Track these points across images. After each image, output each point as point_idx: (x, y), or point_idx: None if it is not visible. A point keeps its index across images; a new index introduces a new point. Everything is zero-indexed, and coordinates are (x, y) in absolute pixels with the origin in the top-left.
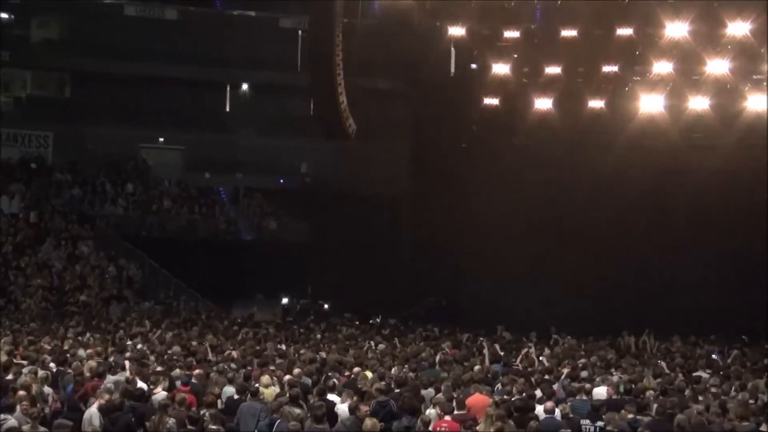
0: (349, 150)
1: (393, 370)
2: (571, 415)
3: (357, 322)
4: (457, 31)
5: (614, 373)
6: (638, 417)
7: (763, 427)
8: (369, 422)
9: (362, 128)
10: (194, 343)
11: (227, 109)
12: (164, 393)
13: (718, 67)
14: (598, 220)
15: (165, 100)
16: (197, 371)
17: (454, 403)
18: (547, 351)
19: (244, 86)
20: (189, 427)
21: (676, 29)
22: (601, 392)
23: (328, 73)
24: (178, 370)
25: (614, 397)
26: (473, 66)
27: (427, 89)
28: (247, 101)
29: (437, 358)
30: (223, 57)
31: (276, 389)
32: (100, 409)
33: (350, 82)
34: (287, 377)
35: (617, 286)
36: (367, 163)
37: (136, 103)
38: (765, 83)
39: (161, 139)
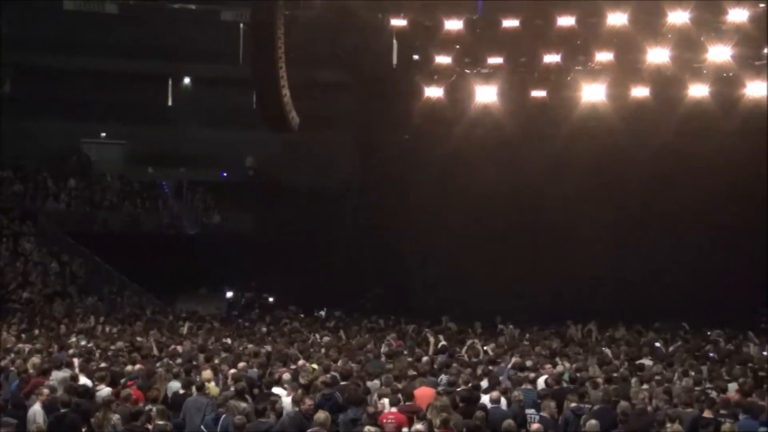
0: (292, 142)
1: (338, 362)
2: (520, 404)
3: (302, 315)
4: (398, 22)
5: (559, 362)
6: (582, 405)
7: (706, 413)
8: (322, 415)
9: (305, 120)
10: (139, 338)
11: (169, 103)
12: (108, 389)
13: (659, 55)
14: (542, 209)
15: (106, 94)
16: (141, 366)
17: (401, 395)
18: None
19: (186, 80)
20: (134, 422)
21: (617, 19)
22: (540, 382)
23: (270, 66)
24: (125, 366)
25: (555, 387)
26: (415, 57)
27: (369, 81)
28: (190, 94)
29: (382, 349)
30: (165, 50)
31: (221, 383)
32: (43, 406)
33: (293, 75)
34: (232, 371)
35: (562, 275)
36: (311, 155)
37: (77, 97)
38: (704, 71)
39: (103, 134)
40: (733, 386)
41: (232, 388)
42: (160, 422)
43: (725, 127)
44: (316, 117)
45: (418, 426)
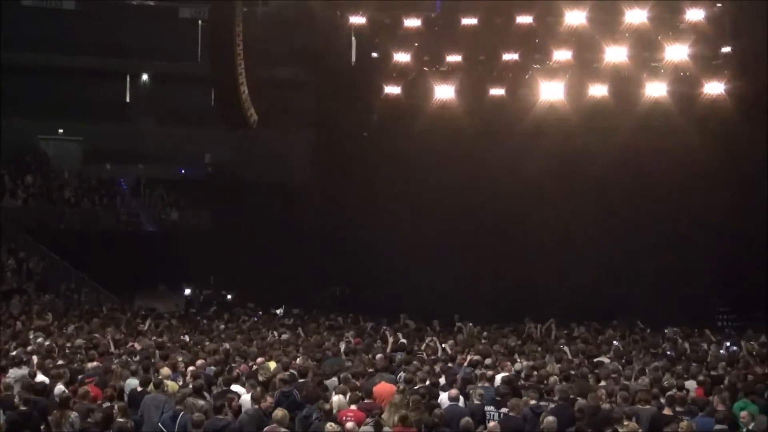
0: (251, 139)
1: (297, 359)
2: (477, 402)
3: (260, 312)
4: (357, 19)
5: (517, 360)
6: (541, 402)
7: (666, 410)
8: (279, 413)
9: (264, 117)
10: (97, 335)
11: (127, 100)
12: (65, 387)
13: (616, 54)
14: (500, 207)
15: (64, 90)
16: (98, 364)
17: (361, 393)
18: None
19: (144, 76)
20: (92, 420)
21: (575, 17)
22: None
23: (228, 63)
24: (81, 364)
25: (515, 385)
26: (374, 54)
27: (328, 78)
28: (148, 91)
29: (341, 347)
30: (123, 47)
31: (179, 380)
32: (1, 404)
33: (251, 72)
34: (190, 368)
35: (521, 273)
36: (270, 152)
37: (34, 94)
38: (662, 70)
39: (60, 130)
40: (690, 384)
41: (191, 386)
42: (121, 419)
43: (683, 126)
44: (274, 114)
45: (365, 428)
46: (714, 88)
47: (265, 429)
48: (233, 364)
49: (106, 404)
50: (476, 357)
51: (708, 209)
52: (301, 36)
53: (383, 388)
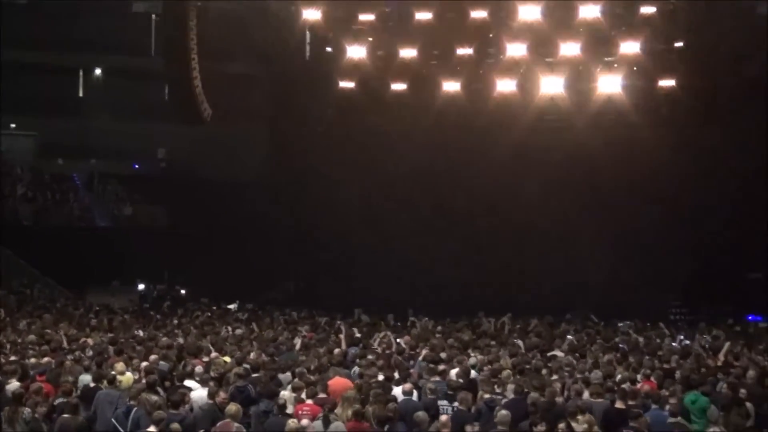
0: (205, 135)
1: (251, 354)
2: (431, 396)
3: (214, 307)
4: (311, 14)
5: (471, 354)
6: (495, 396)
7: (618, 404)
8: (233, 408)
9: (218, 113)
10: (49, 331)
11: (80, 95)
12: (18, 383)
13: (570, 49)
14: (455, 201)
15: (16, 85)
16: (49, 359)
17: (317, 387)
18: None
19: (98, 71)
20: (37, 415)
21: (530, 12)
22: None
23: (182, 58)
24: (33, 360)
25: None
26: (328, 49)
27: (283, 73)
28: (101, 86)
29: (295, 341)
30: (76, 42)
31: (131, 376)
32: None
33: (205, 67)
34: (144, 364)
35: (474, 268)
36: (225, 147)
37: None
38: (616, 65)
39: (13, 125)
40: (642, 377)
41: (144, 381)
42: (67, 415)
43: (636, 121)
44: (228, 109)
45: (314, 422)
46: (667, 82)
47: (218, 424)
48: (187, 360)
49: (60, 400)
50: (430, 351)
51: (661, 203)
52: (255, 31)
53: (337, 382)
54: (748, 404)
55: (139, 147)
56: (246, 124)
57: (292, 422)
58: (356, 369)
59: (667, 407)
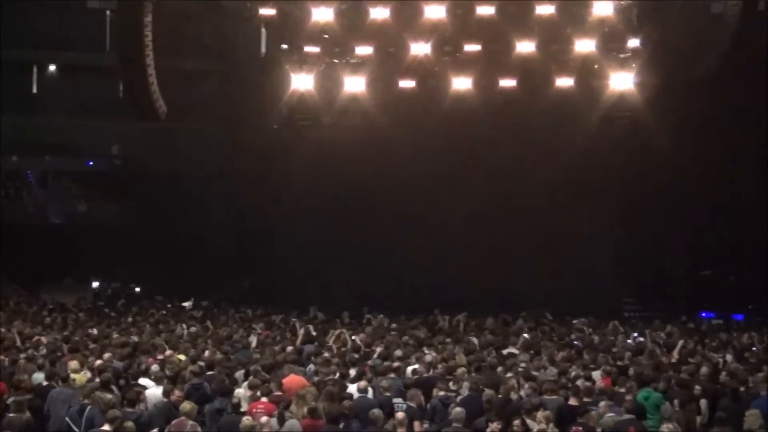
0: (160, 131)
1: (206, 352)
2: (385, 393)
3: (169, 305)
4: (267, 11)
5: (426, 352)
6: (449, 393)
7: (571, 401)
8: (187, 406)
9: (173, 109)
10: (2, 329)
11: (34, 91)
12: None
13: (525, 47)
14: (409, 199)
15: None
16: (2, 358)
17: (272, 385)
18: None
19: (51, 67)
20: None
21: (485, 10)
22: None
23: (137, 54)
24: None
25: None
26: (284, 46)
27: (238, 70)
28: (55, 82)
29: (250, 339)
30: (29, 37)
31: (87, 374)
32: None
33: (160, 63)
34: (98, 362)
35: (430, 265)
36: (179, 144)
37: None
38: (570, 63)
39: None
40: (597, 374)
41: (97, 379)
42: (13, 414)
43: (591, 119)
44: (183, 106)
45: (271, 420)
46: (621, 81)
47: (173, 422)
48: (141, 358)
49: (13, 398)
50: (385, 349)
51: (613, 201)
52: (211, 28)
53: (292, 380)
54: (702, 401)
55: (93, 144)
56: (201, 120)
57: (246, 420)
58: (311, 367)
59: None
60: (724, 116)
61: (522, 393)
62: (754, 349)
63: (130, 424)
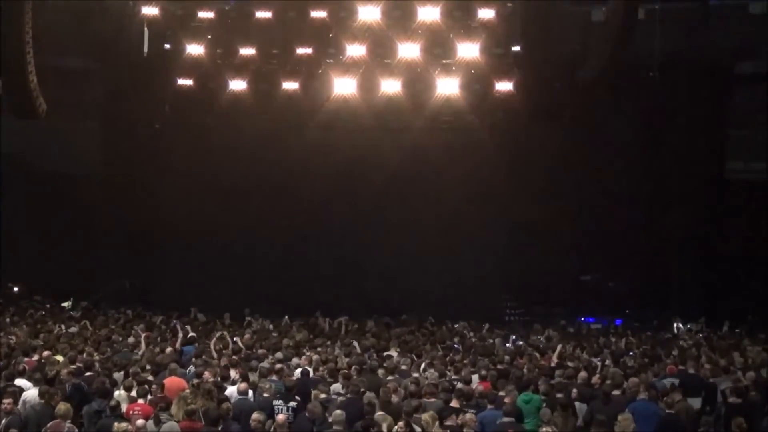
0: (40, 129)
1: (84, 353)
2: (265, 395)
3: (47, 305)
4: (150, 10)
5: (306, 353)
6: (332, 396)
7: (453, 403)
8: (63, 407)
9: (53, 107)
10: None
11: None
12: None
13: (409, 51)
14: (293, 202)
15: None
16: None
17: (151, 387)
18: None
19: None
20: None
21: (369, 13)
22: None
23: (17, 51)
24: None
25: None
26: (167, 46)
27: (120, 69)
28: None
29: (130, 340)
30: None
31: None
32: None
33: (41, 61)
34: None
35: (313, 268)
36: (60, 142)
37: None
38: (454, 68)
39: None
40: (476, 377)
41: None
42: None
43: (473, 123)
44: (64, 104)
45: (148, 422)
46: (504, 85)
47: (49, 424)
48: (18, 358)
49: None
50: (266, 351)
51: (497, 205)
52: (93, 25)
53: (173, 382)
54: (578, 404)
55: None
56: (82, 119)
57: (120, 426)
58: (192, 368)
59: (503, 407)
60: (606, 121)
61: (402, 395)
62: (631, 353)
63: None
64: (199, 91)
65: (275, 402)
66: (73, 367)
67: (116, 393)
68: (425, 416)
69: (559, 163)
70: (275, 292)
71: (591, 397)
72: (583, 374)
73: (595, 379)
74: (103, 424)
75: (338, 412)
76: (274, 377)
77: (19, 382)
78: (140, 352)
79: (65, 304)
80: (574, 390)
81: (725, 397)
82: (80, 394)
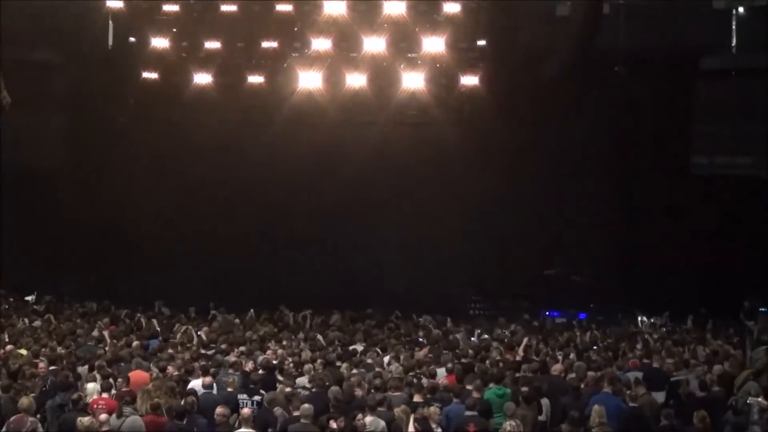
0: (4, 123)
1: (48, 347)
2: (229, 389)
3: (11, 299)
4: (114, 3)
5: (272, 347)
6: (297, 390)
7: (416, 398)
8: (25, 401)
9: (18, 101)
10: None
11: None
12: None
13: (374, 45)
14: (256, 196)
15: None
16: None
17: (116, 380)
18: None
19: None
20: None
21: (334, 7)
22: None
23: None
24: None
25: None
26: (132, 39)
27: (85, 62)
28: None
29: (94, 334)
30: None
31: None
32: None
33: (5, 53)
34: None
35: (278, 262)
36: (26, 136)
37: None
38: (419, 62)
39: None
40: (441, 371)
41: None
42: None
43: (439, 117)
44: (29, 97)
45: (111, 417)
46: (470, 80)
47: (12, 418)
48: None
49: None
50: (230, 345)
51: (462, 199)
52: (58, 19)
53: (137, 375)
54: (544, 399)
55: None
56: (48, 112)
57: (83, 420)
58: (155, 362)
59: (467, 401)
60: (570, 115)
61: (367, 389)
62: (595, 347)
63: None
64: (164, 84)
65: (240, 396)
66: (37, 361)
67: (89, 386)
68: (398, 411)
69: (524, 157)
70: (240, 285)
71: (561, 392)
72: (558, 366)
73: (558, 366)
74: (66, 418)
75: (306, 406)
76: (238, 371)
77: None
78: (105, 346)
79: (29, 298)
80: (539, 384)
81: (682, 388)
82: (41, 389)
